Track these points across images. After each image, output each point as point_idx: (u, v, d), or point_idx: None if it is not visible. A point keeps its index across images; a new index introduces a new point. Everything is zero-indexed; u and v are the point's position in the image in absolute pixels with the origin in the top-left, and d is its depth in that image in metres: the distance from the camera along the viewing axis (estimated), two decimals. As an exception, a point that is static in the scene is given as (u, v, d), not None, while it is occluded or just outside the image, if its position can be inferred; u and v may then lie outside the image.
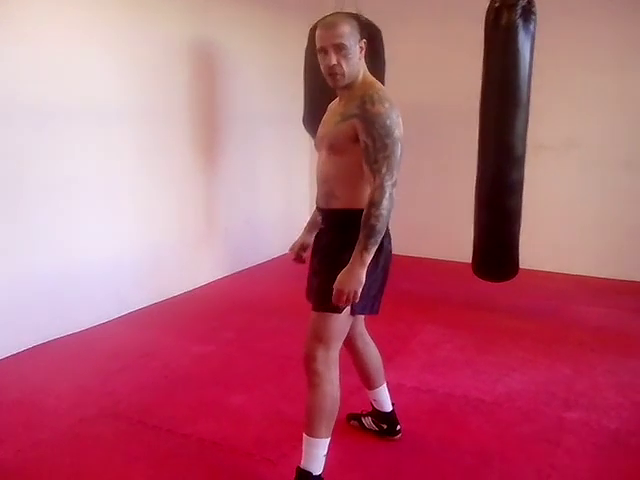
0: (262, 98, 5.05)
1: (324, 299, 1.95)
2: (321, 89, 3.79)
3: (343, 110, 1.95)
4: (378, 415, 2.44)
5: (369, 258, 1.86)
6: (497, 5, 3.44)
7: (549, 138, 4.55)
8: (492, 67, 3.53)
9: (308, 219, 2.33)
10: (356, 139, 1.88)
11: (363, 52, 1.94)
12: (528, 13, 3.42)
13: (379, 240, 1.86)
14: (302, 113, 5.58)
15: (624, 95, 4.42)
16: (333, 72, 1.90)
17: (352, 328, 2.15)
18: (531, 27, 3.43)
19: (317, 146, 2.10)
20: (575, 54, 4.41)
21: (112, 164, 3.72)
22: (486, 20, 3.52)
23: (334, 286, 1.86)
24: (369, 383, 2.37)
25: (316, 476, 1.98)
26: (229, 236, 4.84)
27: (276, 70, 5.20)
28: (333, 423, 2.01)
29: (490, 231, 3.66)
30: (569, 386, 2.92)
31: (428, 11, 4.83)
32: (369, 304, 2.03)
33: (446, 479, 2.19)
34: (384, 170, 1.84)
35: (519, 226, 3.64)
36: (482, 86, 3.59)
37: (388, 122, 1.84)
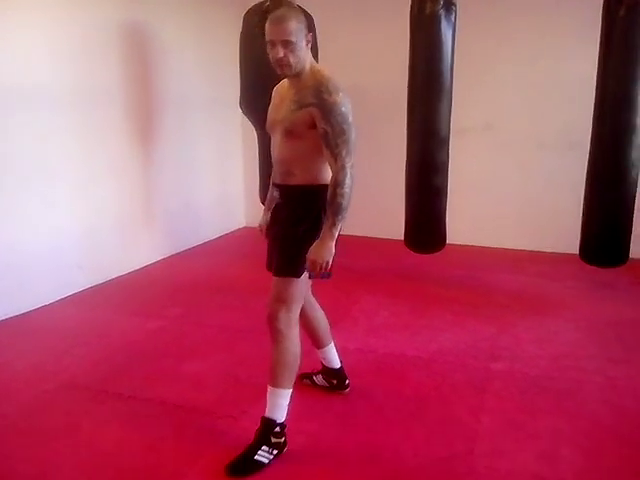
0: (195, 82, 5.11)
1: (284, 265, 2.17)
2: (257, 73, 4.04)
3: (297, 98, 2.09)
4: (328, 372, 2.66)
5: (337, 232, 2.08)
6: (420, -5, 3.73)
7: (469, 121, 4.88)
8: (417, 55, 3.80)
9: (263, 200, 2.54)
10: (312, 125, 2.05)
11: (309, 44, 2.09)
12: (449, 4, 3.71)
13: (345, 215, 2.07)
14: (238, 97, 5.73)
15: (537, 81, 4.81)
16: (280, 63, 2.06)
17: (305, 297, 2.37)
18: (452, 18, 3.73)
19: (270, 129, 2.25)
20: (492, 43, 4.74)
21: (48, 148, 3.71)
22: (411, 10, 3.79)
23: (308, 257, 2.08)
24: (319, 343, 2.59)
25: (280, 423, 2.18)
26: (167, 219, 4.90)
27: (208, 54, 5.27)
28: (294, 376, 2.21)
29: (419, 207, 3.96)
30: (494, 342, 3.26)
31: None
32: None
33: (392, 423, 2.44)
34: (344, 153, 2.03)
35: (445, 203, 3.97)
36: (409, 73, 3.85)
37: (343, 109, 2.02)
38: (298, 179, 2.16)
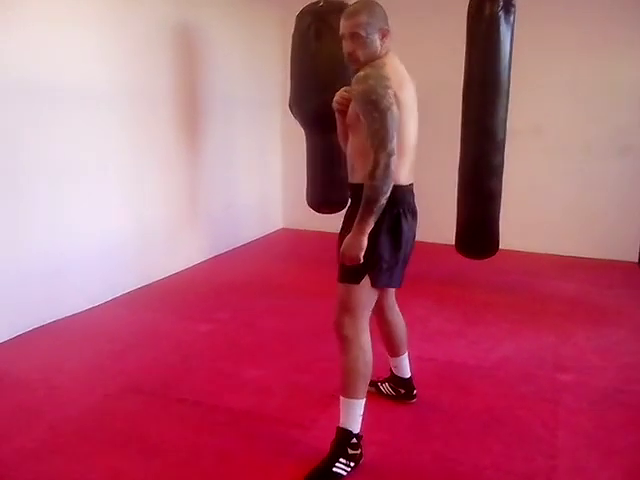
0: (239, 82, 5.09)
1: (344, 272, 2.11)
2: (308, 75, 3.98)
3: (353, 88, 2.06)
4: (397, 380, 2.60)
5: (367, 226, 1.96)
6: (480, -3, 3.65)
7: (519, 124, 4.78)
8: (475, 57, 3.72)
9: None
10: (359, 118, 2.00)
11: (385, 38, 2.05)
12: (509, 5, 3.63)
13: (375, 209, 1.95)
14: (279, 98, 5.70)
15: (587, 85, 4.72)
16: (350, 57, 2.07)
17: (382, 300, 2.32)
18: (511, 19, 3.65)
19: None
20: (542, 45, 4.65)
21: (98, 147, 3.69)
22: (469, 12, 3.70)
23: (340, 250, 2.04)
24: (394, 351, 2.53)
25: (356, 434, 2.12)
26: (210, 219, 4.87)
27: (253, 55, 5.26)
28: (367, 385, 2.15)
29: (474, 211, 3.88)
30: (555, 351, 3.18)
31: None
32: (387, 279, 2.14)
33: (466, 435, 2.37)
34: (376, 143, 1.92)
35: (499, 207, 3.88)
36: (465, 74, 3.77)
37: (373, 97, 1.92)
38: (358, 176, 2.07)
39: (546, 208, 4.96)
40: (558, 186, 4.95)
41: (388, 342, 2.50)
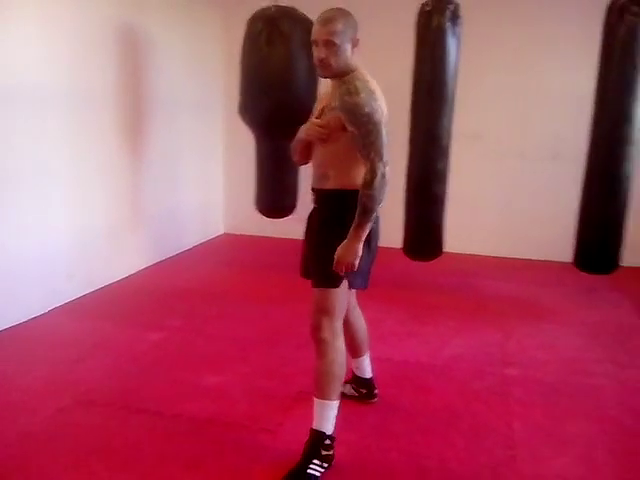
0: (182, 85, 5.00)
1: (322, 277, 2.14)
2: (259, 80, 3.98)
3: (329, 102, 2.11)
4: (358, 381, 2.65)
5: (363, 234, 2.05)
6: (428, 9, 3.77)
7: (460, 131, 4.95)
8: (423, 65, 3.84)
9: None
10: (344, 128, 2.04)
11: (355, 47, 2.08)
12: (455, 17, 3.78)
13: (371, 217, 2.04)
14: (221, 102, 5.67)
15: (525, 93, 4.96)
16: (321, 64, 2.06)
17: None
18: (457, 30, 3.80)
19: None
20: (482, 54, 4.80)
21: (38, 151, 3.52)
22: (417, 22, 3.82)
23: (335, 257, 2.05)
24: (356, 352, 2.57)
25: (329, 435, 2.15)
26: (153, 225, 4.76)
27: (194, 58, 5.19)
28: (341, 386, 2.19)
29: (420, 215, 3.99)
30: (501, 348, 3.33)
31: (360, 4, 5.01)
32: (361, 280, 2.22)
33: (429, 432, 2.45)
34: (372, 154, 2.01)
35: (444, 211, 4.02)
36: (413, 82, 3.88)
37: (367, 110, 2.00)
38: (332, 183, 2.13)
39: (485, 211, 5.17)
40: (496, 190, 5.17)
41: (350, 343, 2.53)
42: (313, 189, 2.24)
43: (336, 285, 2.13)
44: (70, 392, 2.66)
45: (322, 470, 2.11)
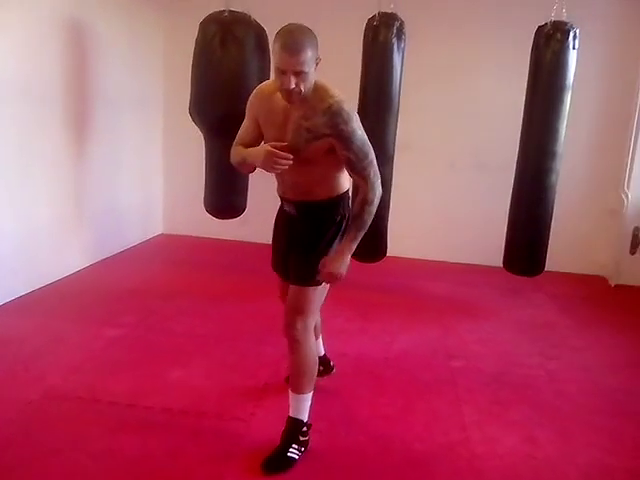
0: (123, 82, 4.95)
1: (309, 275, 2.19)
2: (211, 82, 4.06)
3: (310, 125, 2.04)
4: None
5: (355, 246, 2.15)
6: (375, 24, 4.01)
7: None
8: (369, 77, 4.07)
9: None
10: (331, 150, 2.06)
11: (317, 66, 2.02)
12: (400, 33, 4.03)
13: (365, 231, 2.15)
14: (165, 101, 5.68)
15: (452, 106, 5.30)
16: (291, 93, 1.98)
17: None
18: (402, 45, 4.06)
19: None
20: (412, 67, 5.10)
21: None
22: (365, 36, 4.05)
23: (323, 268, 2.13)
24: (315, 334, 2.60)
25: (306, 423, 2.30)
26: (95, 222, 4.69)
27: (135, 56, 5.15)
28: (315, 379, 2.32)
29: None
30: (444, 343, 3.60)
31: (311, 17, 5.17)
32: None
33: (389, 418, 2.65)
34: (372, 174, 2.09)
35: (388, 216, 4.26)
36: (360, 93, 4.10)
37: (360, 133, 2.05)
38: (319, 196, 2.19)
39: (418, 218, 5.46)
40: (428, 198, 5.48)
41: None
42: (289, 200, 2.26)
43: (320, 283, 2.21)
44: (35, 388, 2.65)
45: (299, 454, 2.26)
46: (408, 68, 4.19)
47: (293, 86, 1.95)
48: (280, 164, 2.02)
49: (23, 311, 3.58)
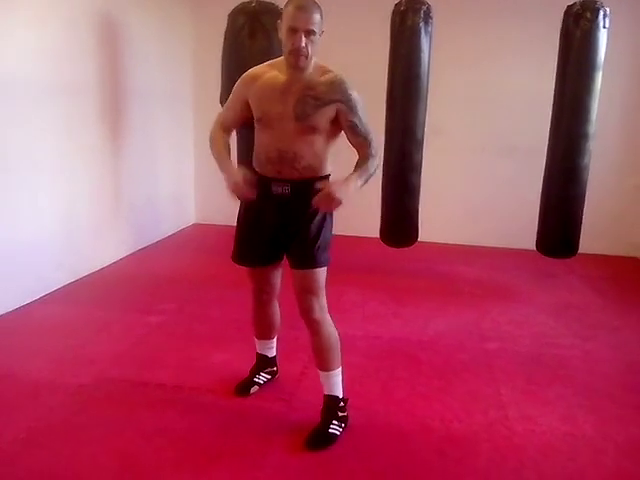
0: (156, 77, 5.07)
1: (317, 257, 2.24)
2: (240, 72, 4.11)
3: (315, 93, 2.12)
4: (269, 361, 2.73)
5: (357, 190, 2.10)
6: (403, 9, 4.02)
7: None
8: (397, 62, 4.09)
9: (221, 163, 2.28)
10: (333, 121, 2.15)
11: (321, 37, 2.10)
12: (427, 17, 4.04)
13: (369, 176, 2.18)
14: (195, 93, 5.78)
15: (479, 89, 5.29)
16: (299, 52, 2.04)
17: (275, 282, 2.50)
18: (429, 29, 4.07)
19: (269, 121, 2.18)
20: (443, 53, 5.10)
21: (25, 140, 3.54)
22: (392, 21, 4.07)
23: (327, 190, 2.03)
24: (273, 333, 2.69)
25: (342, 398, 2.38)
26: (132, 213, 4.82)
27: (166, 51, 5.25)
28: (340, 354, 2.36)
29: (396, 204, 4.25)
30: (478, 325, 3.63)
31: (338, 3, 5.16)
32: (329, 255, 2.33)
33: (426, 397, 2.70)
34: (374, 139, 2.20)
35: (418, 201, 4.29)
36: (388, 77, 4.13)
37: (362, 102, 2.18)
38: (315, 171, 2.22)
39: (450, 203, 5.48)
40: (459, 183, 5.49)
41: (272, 323, 2.64)
42: (282, 180, 2.21)
43: (328, 261, 2.27)
44: (85, 372, 2.77)
45: (341, 430, 2.34)
46: (436, 53, 4.20)
47: (303, 44, 2.02)
48: (241, 197, 2.21)
49: (69, 300, 3.72)
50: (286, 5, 2.06)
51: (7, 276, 3.43)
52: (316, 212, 2.21)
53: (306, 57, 2.06)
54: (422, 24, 4.01)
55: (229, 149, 2.32)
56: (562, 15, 3.97)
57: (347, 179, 2.10)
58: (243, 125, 2.38)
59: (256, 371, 2.70)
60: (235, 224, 2.52)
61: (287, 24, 2.04)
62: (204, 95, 5.32)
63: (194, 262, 4.77)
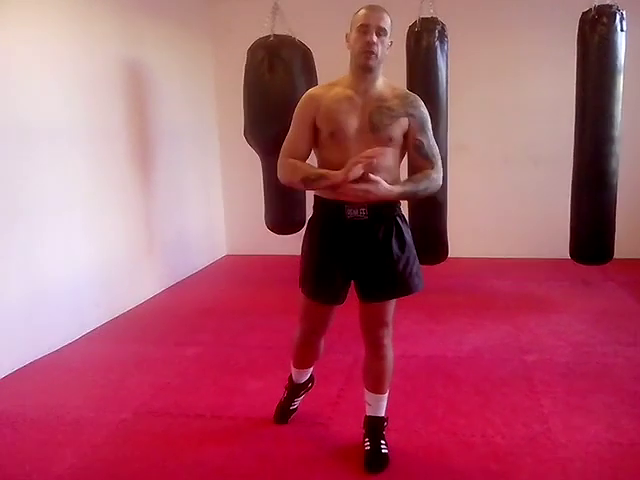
0: (181, 114, 5.21)
1: (418, 281, 2.22)
2: (263, 105, 4.23)
3: (390, 105, 2.07)
4: (302, 387, 2.65)
5: (401, 195, 2.06)
6: (417, 30, 4.08)
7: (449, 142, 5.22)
8: (415, 83, 4.13)
9: (312, 177, 2.10)
10: (406, 134, 2.10)
11: (389, 47, 2.07)
12: (442, 36, 4.09)
13: (417, 195, 2.13)
14: (219, 126, 5.92)
15: (501, 102, 5.30)
16: (369, 50, 1.99)
17: (331, 323, 2.39)
18: (445, 48, 4.11)
19: (347, 135, 2.08)
20: (462, 70, 5.14)
21: (59, 184, 3.67)
22: (407, 43, 4.12)
23: (374, 178, 1.96)
24: (313, 363, 2.59)
25: (386, 418, 2.38)
26: (164, 250, 4.93)
27: (189, 89, 5.40)
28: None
29: (423, 223, 4.24)
30: (516, 338, 3.58)
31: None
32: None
33: (467, 414, 2.66)
34: (440, 162, 2.17)
35: (446, 218, 4.28)
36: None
37: (430, 123, 2.16)
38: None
39: (477, 217, 5.45)
40: (485, 196, 5.46)
41: (316, 357, 2.55)
42: (359, 203, 2.07)
43: (422, 285, 2.24)
44: (126, 406, 2.81)
45: (387, 449, 2.31)
46: (454, 70, 4.23)
47: (375, 40, 1.98)
48: (369, 164, 1.95)
49: (107, 338, 3.80)
50: (356, 12, 2.07)
51: (46, 318, 3.53)
52: (398, 233, 2.14)
53: (377, 56, 2.01)
54: (437, 43, 4.06)
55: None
56: (578, 22, 3.96)
57: (393, 185, 2.02)
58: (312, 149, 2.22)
59: (291, 398, 2.66)
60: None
61: (358, 24, 2.02)
62: (229, 128, 5.47)
63: (227, 293, 4.83)
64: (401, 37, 4.11)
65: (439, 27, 4.05)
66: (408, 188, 2.09)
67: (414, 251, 2.23)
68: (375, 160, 1.96)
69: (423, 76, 4.08)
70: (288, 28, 4.23)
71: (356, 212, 2.10)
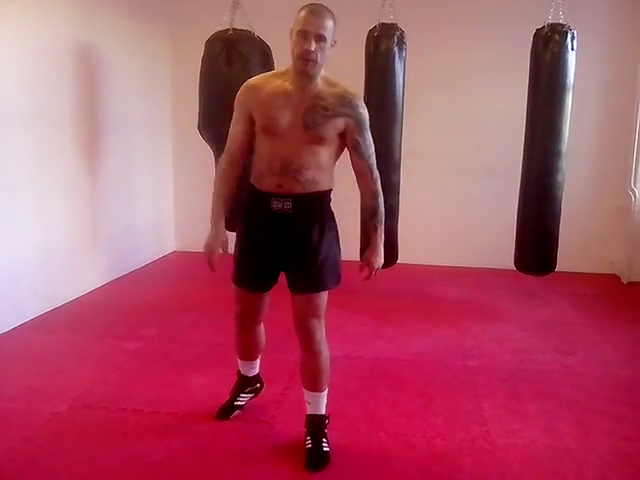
0: (134, 103, 5.08)
1: (327, 278, 2.21)
2: (218, 99, 4.16)
3: (326, 104, 2.06)
4: (251, 380, 2.64)
5: (383, 237, 2.27)
6: (376, 35, 4.11)
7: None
8: (372, 87, 4.16)
9: (213, 214, 2.28)
10: (340, 134, 2.10)
11: (332, 48, 2.07)
12: (401, 42, 4.13)
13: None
14: (171, 119, 5.81)
15: (455, 112, 5.38)
16: (308, 57, 1.98)
17: (264, 308, 2.41)
18: (403, 54, 4.15)
19: (277, 131, 2.10)
20: (415, 77, 5.17)
21: (4, 169, 3.54)
22: (367, 47, 4.15)
23: (372, 265, 2.27)
24: (256, 354, 2.60)
25: (328, 416, 2.37)
26: (111, 242, 4.78)
27: (144, 77, 5.28)
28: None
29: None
30: (459, 344, 3.62)
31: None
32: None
33: (409, 415, 2.68)
34: (375, 164, 2.18)
35: (397, 222, 4.31)
36: (365, 102, 4.19)
37: (368, 122, 2.16)
38: (320, 185, 2.14)
39: (427, 224, 5.51)
40: (435, 204, 5.53)
41: (258, 346, 2.54)
42: (285, 194, 2.11)
43: (339, 282, 2.27)
44: (61, 399, 2.70)
45: (329, 447, 2.29)
46: (410, 76, 4.28)
47: (313, 48, 1.97)
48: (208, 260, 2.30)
49: (45, 329, 3.65)
50: (299, 11, 2.02)
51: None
52: (321, 229, 2.17)
53: (315, 63, 2.01)
54: (396, 49, 4.10)
55: (232, 192, 2.24)
56: (531, 38, 4.07)
57: (373, 244, 2.26)
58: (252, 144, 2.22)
59: (237, 393, 2.64)
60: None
61: (298, 27, 2.00)
62: (183, 122, 5.35)
63: (173, 289, 4.73)
64: (361, 39, 4.16)
65: (398, 33, 4.09)
66: (378, 224, 2.26)
67: (336, 249, 2.24)
68: None
69: (380, 80, 4.11)
70: (248, 24, 4.19)
71: (281, 205, 2.13)
